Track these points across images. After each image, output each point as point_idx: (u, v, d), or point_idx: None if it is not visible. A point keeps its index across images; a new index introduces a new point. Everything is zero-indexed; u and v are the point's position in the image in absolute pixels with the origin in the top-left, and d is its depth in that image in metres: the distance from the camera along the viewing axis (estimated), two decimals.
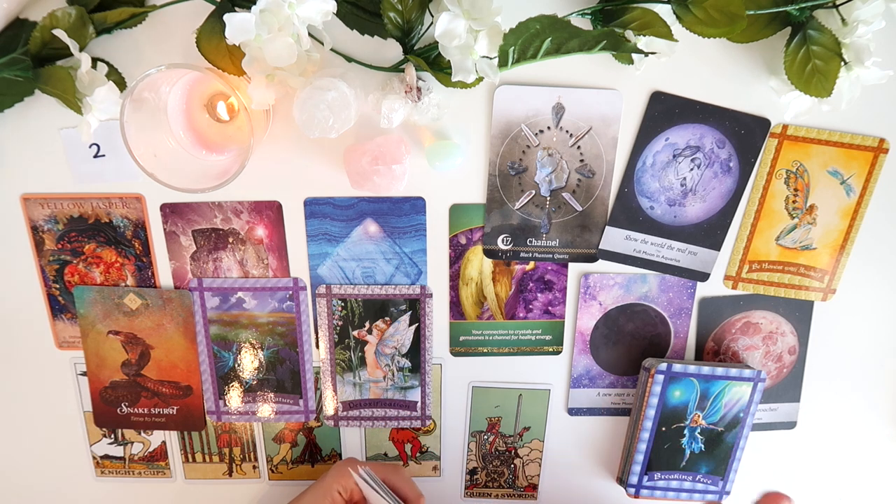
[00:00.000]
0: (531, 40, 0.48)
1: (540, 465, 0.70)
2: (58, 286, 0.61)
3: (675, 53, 0.51)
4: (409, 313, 0.62)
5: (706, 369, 0.61)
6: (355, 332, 0.63)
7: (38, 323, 0.63)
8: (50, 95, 0.50)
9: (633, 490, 0.66)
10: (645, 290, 0.62)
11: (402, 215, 0.59)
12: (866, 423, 0.69)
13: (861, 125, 0.57)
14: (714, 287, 0.63)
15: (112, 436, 0.68)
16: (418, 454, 0.69)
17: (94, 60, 0.50)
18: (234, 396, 0.66)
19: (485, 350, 0.64)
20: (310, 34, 0.47)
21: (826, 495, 0.72)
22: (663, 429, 0.63)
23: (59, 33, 0.47)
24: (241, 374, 0.65)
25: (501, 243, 0.60)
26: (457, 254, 0.61)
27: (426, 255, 0.61)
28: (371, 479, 0.57)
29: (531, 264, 0.61)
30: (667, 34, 0.49)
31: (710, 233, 0.60)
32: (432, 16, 0.47)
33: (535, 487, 0.71)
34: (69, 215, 0.59)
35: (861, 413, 0.68)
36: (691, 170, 0.58)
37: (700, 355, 0.65)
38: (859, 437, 0.69)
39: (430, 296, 0.62)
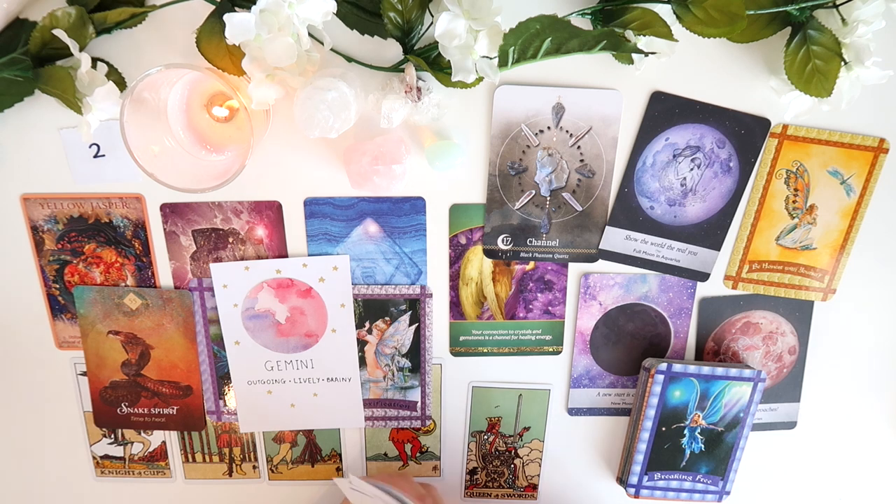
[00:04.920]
0: (531, 40, 0.48)
1: (540, 465, 0.70)
2: (58, 286, 0.61)
3: (675, 53, 0.51)
4: (409, 313, 0.62)
5: (706, 369, 0.61)
6: (355, 332, 0.63)
7: (38, 323, 0.63)
8: (50, 95, 0.50)
9: (633, 490, 0.66)
10: (645, 290, 0.62)
11: (402, 215, 0.59)
12: (866, 423, 0.69)
13: (861, 125, 0.57)
14: (714, 287, 0.63)
15: (112, 436, 0.68)
16: (418, 454, 0.69)
17: (94, 60, 0.50)
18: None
19: (485, 350, 0.64)
20: (310, 34, 0.47)
21: (826, 495, 0.72)
22: (663, 429, 0.63)
23: (59, 33, 0.47)
24: None
25: (501, 243, 0.60)
26: (457, 254, 0.61)
27: (426, 255, 0.61)
28: (362, 486, 0.56)
29: (531, 264, 0.61)
30: (667, 34, 0.49)
31: (710, 233, 0.60)
32: (432, 16, 0.47)
33: (535, 487, 0.71)
34: (69, 215, 0.59)
35: (861, 413, 0.68)
36: (691, 170, 0.58)
37: (700, 355, 0.65)
38: (859, 437, 0.69)
39: (430, 296, 0.62)
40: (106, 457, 0.69)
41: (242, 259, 0.60)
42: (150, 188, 0.58)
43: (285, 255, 0.60)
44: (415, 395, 0.66)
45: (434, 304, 0.62)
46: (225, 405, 0.66)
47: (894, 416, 0.69)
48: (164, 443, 0.68)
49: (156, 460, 0.69)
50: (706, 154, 0.57)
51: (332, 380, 0.64)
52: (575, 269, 0.62)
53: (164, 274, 0.61)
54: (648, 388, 0.62)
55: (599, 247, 0.60)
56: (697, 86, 0.55)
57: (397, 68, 0.52)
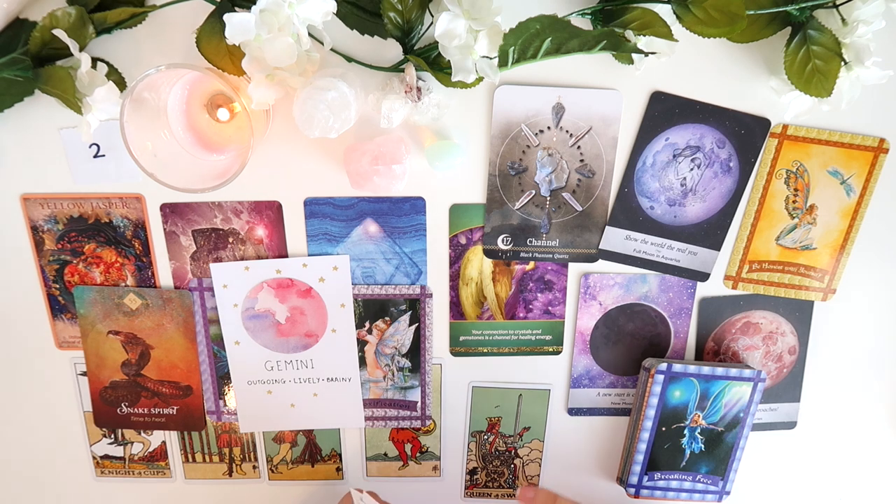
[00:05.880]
0: (531, 40, 0.48)
1: (540, 465, 0.70)
2: (58, 286, 0.61)
3: (675, 53, 0.51)
4: (409, 313, 0.62)
5: (706, 369, 0.61)
6: (355, 332, 0.63)
7: (38, 323, 0.63)
8: (50, 95, 0.50)
9: (633, 490, 0.66)
10: (645, 290, 0.62)
11: (402, 215, 0.59)
12: (866, 423, 0.69)
13: (861, 125, 0.57)
14: (714, 287, 0.63)
15: (112, 436, 0.68)
16: (418, 454, 0.69)
17: (94, 60, 0.50)
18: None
19: (485, 350, 0.64)
20: (310, 34, 0.47)
21: (826, 495, 0.72)
22: (663, 429, 0.63)
23: (59, 33, 0.47)
24: None
25: (501, 243, 0.60)
26: (457, 254, 0.61)
27: (426, 255, 0.61)
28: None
29: (531, 264, 0.61)
30: (667, 34, 0.49)
31: (710, 233, 0.60)
32: (432, 16, 0.47)
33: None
34: (69, 215, 0.59)
35: (861, 413, 0.68)
36: (691, 170, 0.58)
37: (700, 355, 0.65)
38: (859, 437, 0.69)
39: (430, 296, 0.62)
40: (106, 457, 0.69)
41: (242, 259, 0.60)
42: (150, 188, 0.58)
43: (285, 255, 0.60)
44: (415, 395, 0.66)
45: (434, 304, 0.62)
46: (225, 405, 0.66)
47: (894, 416, 0.69)
48: (164, 443, 0.68)
49: (156, 460, 0.69)
50: (706, 154, 0.57)
51: (332, 380, 0.64)
52: (575, 269, 0.62)
53: (164, 274, 0.61)
54: (648, 388, 0.62)
55: (599, 247, 0.60)
56: (697, 86, 0.55)
57: (397, 68, 0.52)
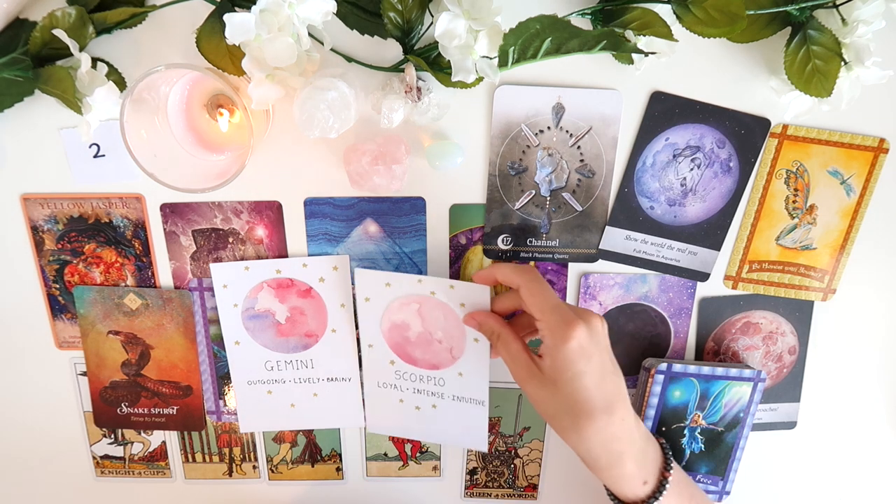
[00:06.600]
0: (531, 40, 0.48)
1: (540, 465, 0.70)
2: (58, 286, 0.61)
3: (675, 53, 0.51)
4: None
5: (706, 369, 0.61)
6: (355, 332, 0.63)
7: (38, 323, 0.63)
8: (50, 95, 0.50)
9: None
10: (645, 290, 0.62)
11: (402, 215, 0.59)
12: (866, 423, 0.69)
13: (861, 125, 0.57)
14: (714, 287, 0.63)
15: (112, 436, 0.68)
16: (418, 454, 0.69)
17: (94, 60, 0.50)
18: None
19: None
20: (310, 34, 0.47)
21: (826, 495, 0.72)
22: (663, 429, 0.63)
23: (59, 33, 0.47)
24: None
25: (501, 243, 0.60)
26: (457, 254, 0.61)
27: (426, 255, 0.61)
28: None
29: (531, 264, 0.61)
30: (667, 34, 0.49)
31: (710, 233, 0.60)
32: (432, 16, 0.47)
33: (535, 487, 0.71)
34: (69, 215, 0.59)
35: (861, 413, 0.68)
36: (691, 170, 0.58)
37: (700, 355, 0.65)
38: (859, 437, 0.69)
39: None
40: (106, 457, 0.69)
41: (242, 259, 0.60)
42: (150, 188, 0.58)
43: (285, 255, 0.60)
44: None
45: None
46: (225, 405, 0.66)
47: (894, 416, 0.69)
48: (164, 443, 0.68)
49: (156, 460, 0.69)
50: (706, 154, 0.57)
51: (332, 380, 0.64)
52: (575, 269, 0.62)
53: (164, 274, 0.61)
54: (648, 388, 0.62)
55: (599, 247, 0.60)
56: (697, 86, 0.55)
57: (397, 68, 0.52)
